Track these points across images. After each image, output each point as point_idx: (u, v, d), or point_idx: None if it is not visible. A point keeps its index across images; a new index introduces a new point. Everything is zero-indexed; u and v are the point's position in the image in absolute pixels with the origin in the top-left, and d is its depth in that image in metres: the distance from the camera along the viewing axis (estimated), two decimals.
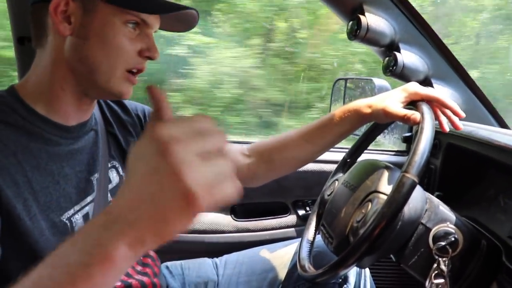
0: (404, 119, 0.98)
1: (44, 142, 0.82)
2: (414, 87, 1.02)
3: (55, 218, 0.81)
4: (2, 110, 0.79)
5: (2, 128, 0.76)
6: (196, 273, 1.29)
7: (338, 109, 1.13)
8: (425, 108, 0.93)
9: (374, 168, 0.97)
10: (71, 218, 0.85)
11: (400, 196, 0.76)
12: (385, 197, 0.87)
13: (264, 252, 1.35)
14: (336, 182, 1.11)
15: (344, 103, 1.72)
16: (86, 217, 0.89)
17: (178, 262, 1.32)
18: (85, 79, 0.84)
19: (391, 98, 1.03)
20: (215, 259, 1.36)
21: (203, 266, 1.32)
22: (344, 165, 1.18)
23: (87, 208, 0.90)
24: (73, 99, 0.86)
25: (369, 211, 0.87)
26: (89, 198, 0.91)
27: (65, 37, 0.81)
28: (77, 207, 0.87)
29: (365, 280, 1.24)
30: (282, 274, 1.25)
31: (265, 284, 1.25)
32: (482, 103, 1.40)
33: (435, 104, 1.02)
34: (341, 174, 1.15)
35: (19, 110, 0.81)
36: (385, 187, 0.90)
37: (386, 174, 0.93)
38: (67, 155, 0.87)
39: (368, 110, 1.06)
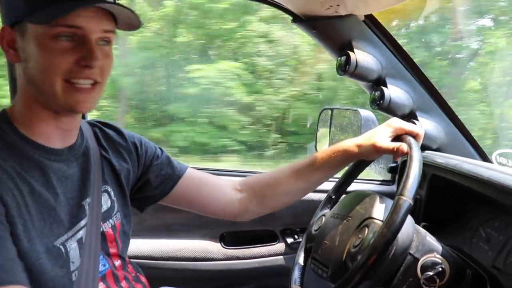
0: (394, 151, 1.06)
1: (36, 166, 0.84)
2: (398, 122, 1.10)
3: (49, 243, 0.82)
4: None
5: None
6: None
7: (328, 149, 1.19)
8: (411, 139, 1.02)
9: (363, 196, 1.02)
10: (65, 243, 0.86)
11: (398, 217, 0.81)
12: (380, 223, 0.90)
13: None
14: (323, 217, 1.13)
15: (330, 132, 1.76)
16: (80, 242, 0.90)
17: None
18: (40, 99, 0.87)
19: (379, 135, 1.09)
20: None
21: None
22: (329, 201, 1.20)
23: (80, 232, 0.91)
24: (48, 120, 0.89)
25: (367, 235, 0.90)
26: (82, 223, 0.92)
27: (18, 63, 0.87)
28: (70, 233, 0.88)
29: None
30: None
31: None
32: (463, 135, 1.46)
33: (417, 138, 1.09)
34: (327, 210, 1.18)
35: (10, 134, 0.84)
36: (379, 213, 0.94)
37: (377, 201, 0.97)
38: (59, 181, 0.88)
39: (357, 150, 1.13)
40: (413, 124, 1.13)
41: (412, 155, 0.94)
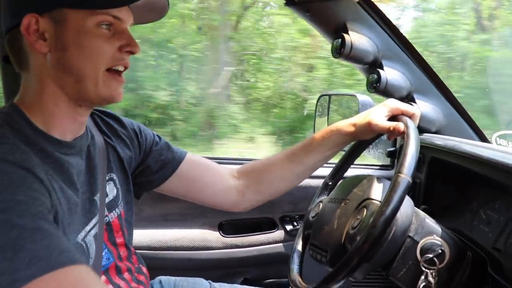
0: (390, 131, 1.04)
1: (57, 163, 0.82)
2: (394, 102, 1.09)
3: (73, 239, 0.82)
4: (15, 129, 0.78)
5: (25, 150, 0.76)
6: None
7: (323, 130, 1.16)
8: (407, 119, 1.00)
9: (360, 179, 1.00)
10: (85, 239, 0.86)
11: (397, 195, 0.80)
12: (379, 203, 0.89)
13: None
14: (320, 204, 1.12)
15: (328, 118, 1.75)
16: (96, 237, 0.90)
17: (172, 278, 1.30)
18: (74, 90, 0.84)
19: (375, 114, 1.08)
20: (213, 283, 1.33)
21: (198, 286, 1.30)
22: (326, 188, 1.19)
23: (95, 229, 0.91)
24: (68, 112, 0.86)
25: (366, 216, 0.89)
26: (95, 219, 0.91)
27: (45, 54, 0.81)
28: (87, 228, 0.88)
29: None
30: None
31: None
32: (462, 117, 1.44)
33: (413, 118, 1.08)
34: (324, 196, 1.17)
35: (27, 130, 0.80)
36: (377, 194, 0.92)
37: (375, 182, 0.96)
38: (77, 176, 0.87)
39: (352, 129, 1.11)
40: (409, 105, 1.12)
41: (409, 133, 0.92)
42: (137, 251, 1.11)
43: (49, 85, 0.83)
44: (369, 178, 0.99)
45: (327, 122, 1.74)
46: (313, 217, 1.10)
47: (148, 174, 1.14)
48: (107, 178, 1.00)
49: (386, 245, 0.87)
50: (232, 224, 1.72)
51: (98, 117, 1.06)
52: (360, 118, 1.11)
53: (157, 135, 1.18)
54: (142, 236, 1.63)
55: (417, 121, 1.09)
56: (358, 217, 0.91)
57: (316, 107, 1.84)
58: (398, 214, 0.81)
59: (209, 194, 1.21)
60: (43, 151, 0.80)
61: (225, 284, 1.33)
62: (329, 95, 1.79)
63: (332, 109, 1.78)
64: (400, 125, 1.01)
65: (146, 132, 1.14)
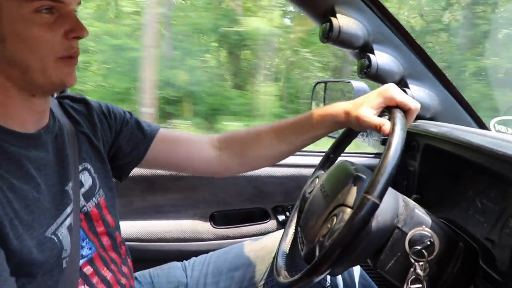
0: (376, 129, 0.94)
1: (11, 160, 0.79)
2: (390, 92, 0.97)
3: (39, 235, 0.79)
4: None
5: None
6: (166, 278, 1.26)
7: (316, 112, 1.10)
8: (397, 118, 0.88)
9: (347, 175, 0.94)
10: (56, 232, 0.83)
11: (360, 218, 0.74)
12: (349, 211, 0.84)
13: (229, 251, 1.33)
14: (317, 179, 1.09)
15: (324, 105, 1.72)
16: (69, 228, 0.87)
17: (146, 271, 1.28)
18: (23, 81, 0.80)
19: (366, 105, 0.99)
20: (185, 261, 1.34)
21: (173, 270, 1.29)
22: (326, 161, 1.15)
23: (69, 219, 0.88)
24: (22, 103, 0.83)
25: (334, 227, 0.85)
26: (68, 209, 0.88)
27: None
28: (59, 220, 0.85)
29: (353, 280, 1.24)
30: (248, 272, 1.24)
31: (232, 283, 1.23)
32: (459, 103, 1.39)
33: (409, 113, 0.97)
34: (322, 172, 1.13)
35: None
36: (352, 199, 0.87)
37: (355, 185, 0.90)
38: (37, 170, 0.83)
39: (344, 118, 1.04)
40: (408, 97, 0.98)
41: (391, 142, 0.80)
42: (126, 243, 1.09)
43: None
44: (352, 178, 0.91)
45: None
46: (309, 193, 1.07)
47: (122, 157, 1.11)
48: (80, 168, 0.96)
49: (368, 240, 0.83)
50: (224, 215, 1.70)
51: (67, 104, 1.02)
52: (353, 108, 1.02)
53: (128, 112, 1.14)
54: (131, 227, 1.61)
55: (414, 116, 0.98)
56: (328, 225, 0.87)
57: (312, 94, 1.83)
58: (379, 209, 0.76)
59: (189, 166, 1.20)
60: None
61: (198, 258, 1.34)
62: (325, 82, 1.78)
63: (328, 96, 1.77)
64: (386, 127, 0.90)
65: (116, 111, 1.11)
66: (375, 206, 0.75)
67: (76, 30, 0.81)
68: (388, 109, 0.97)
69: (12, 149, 0.79)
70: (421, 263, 0.85)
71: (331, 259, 0.77)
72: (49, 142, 0.89)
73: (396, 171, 0.77)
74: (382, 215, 0.84)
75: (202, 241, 1.63)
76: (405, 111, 0.95)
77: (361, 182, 0.90)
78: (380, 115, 0.99)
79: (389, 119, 0.93)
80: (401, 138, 0.81)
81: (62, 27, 0.79)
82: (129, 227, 1.59)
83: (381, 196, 0.75)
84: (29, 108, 0.84)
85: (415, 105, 0.96)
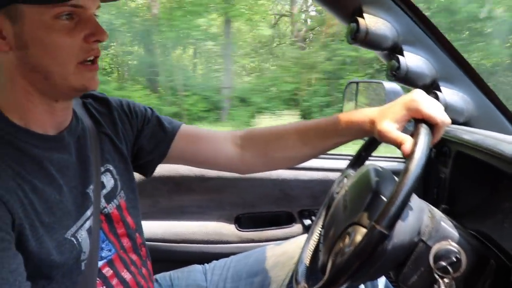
0: (397, 147, 0.87)
1: (33, 161, 0.80)
2: (415, 104, 0.88)
3: (59, 237, 0.80)
4: None
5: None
6: (185, 281, 1.26)
7: (342, 118, 1.06)
8: (420, 136, 0.80)
9: (367, 189, 0.88)
10: (76, 235, 0.85)
11: (367, 247, 0.72)
12: (364, 231, 0.79)
13: (250, 255, 1.31)
14: (345, 179, 1.06)
15: (356, 106, 1.69)
16: (89, 231, 0.88)
17: (167, 273, 1.29)
18: (44, 86, 0.81)
19: (389, 118, 0.92)
20: (205, 265, 1.33)
21: (193, 273, 1.29)
22: (357, 160, 1.12)
23: (88, 222, 0.89)
24: (44, 107, 0.84)
25: (345, 248, 0.81)
26: (88, 212, 0.90)
27: (7, 53, 0.78)
28: (79, 223, 0.86)
29: None
30: (268, 278, 1.22)
31: None
32: (497, 107, 1.30)
33: (436, 128, 0.87)
34: (351, 171, 1.10)
35: (4, 128, 0.79)
36: (366, 220, 0.82)
37: (372, 203, 0.84)
38: (59, 172, 0.85)
39: (370, 128, 0.98)
40: (438, 109, 0.88)
41: (408, 167, 0.73)
42: (151, 243, 1.10)
43: (19, 82, 0.81)
44: (375, 194, 0.84)
45: (355, 109, 1.69)
46: (336, 193, 1.04)
47: (144, 155, 1.11)
48: (102, 169, 0.97)
49: (386, 257, 0.79)
50: (249, 217, 1.69)
51: (89, 103, 1.03)
52: (378, 117, 0.95)
53: (149, 108, 1.14)
54: (156, 228, 1.62)
55: (441, 132, 0.89)
56: (341, 244, 0.83)
57: (344, 95, 1.80)
58: (396, 229, 0.74)
59: (210, 163, 1.19)
60: (19, 149, 0.79)
61: (218, 262, 1.32)
62: (357, 82, 1.74)
63: (360, 96, 1.73)
64: (405, 146, 0.82)
65: (137, 109, 1.11)
66: (384, 237, 0.71)
67: (96, 34, 0.81)
68: (414, 121, 0.89)
69: (35, 151, 0.81)
70: (446, 280, 0.80)
71: (339, 282, 0.75)
72: (72, 143, 0.91)
73: (426, 179, 0.73)
74: (398, 236, 0.79)
75: (227, 243, 1.63)
76: (432, 125, 0.86)
77: (378, 200, 0.85)
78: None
79: (412, 135, 0.85)
80: (421, 163, 0.75)
81: (82, 31, 0.80)
82: (154, 227, 1.60)
83: (391, 226, 0.71)
84: (50, 113, 0.85)
85: (443, 120, 0.87)
